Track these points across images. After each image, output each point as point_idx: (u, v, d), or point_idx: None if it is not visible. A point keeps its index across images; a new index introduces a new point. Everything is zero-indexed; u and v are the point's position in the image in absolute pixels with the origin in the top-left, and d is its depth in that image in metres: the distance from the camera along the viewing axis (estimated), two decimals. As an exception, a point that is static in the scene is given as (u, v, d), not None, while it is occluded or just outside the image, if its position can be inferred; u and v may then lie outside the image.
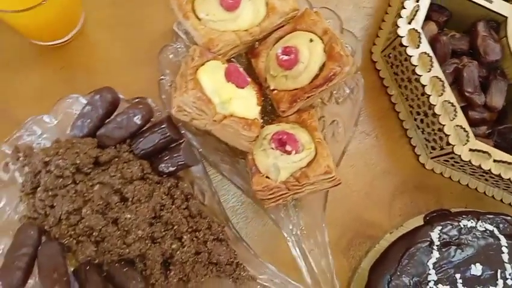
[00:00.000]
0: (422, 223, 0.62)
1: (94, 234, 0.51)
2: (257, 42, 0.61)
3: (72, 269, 0.52)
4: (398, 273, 0.56)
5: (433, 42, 0.63)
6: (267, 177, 0.54)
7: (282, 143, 0.54)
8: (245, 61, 0.64)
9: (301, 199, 0.62)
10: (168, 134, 0.52)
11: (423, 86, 0.58)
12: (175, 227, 0.53)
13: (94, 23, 0.66)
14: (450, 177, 0.67)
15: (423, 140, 0.66)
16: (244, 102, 0.53)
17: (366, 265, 0.61)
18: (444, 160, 0.64)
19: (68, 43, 0.64)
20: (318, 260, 0.60)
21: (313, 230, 0.61)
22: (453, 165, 0.65)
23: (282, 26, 0.59)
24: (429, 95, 0.58)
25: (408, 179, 0.67)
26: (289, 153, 0.53)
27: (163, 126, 0.52)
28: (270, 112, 0.62)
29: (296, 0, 0.59)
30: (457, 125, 0.57)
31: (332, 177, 0.53)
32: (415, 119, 0.66)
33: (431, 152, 0.65)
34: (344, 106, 0.59)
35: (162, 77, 0.56)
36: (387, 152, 0.67)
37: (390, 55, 0.66)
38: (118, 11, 0.67)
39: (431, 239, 0.57)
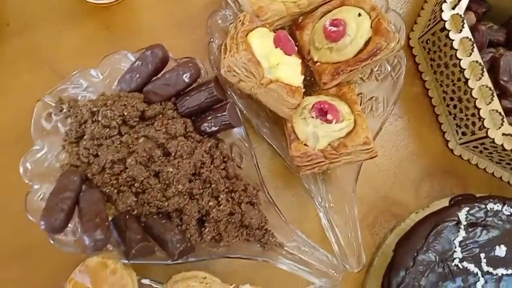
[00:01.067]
0: (448, 205, 0.64)
1: (135, 185, 0.52)
2: (301, 17, 0.62)
3: (110, 218, 0.53)
4: (425, 248, 0.57)
5: (472, 31, 0.64)
6: (305, 144, 0.56)
7: (323, 112, 0.55)
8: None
9: (331, 173, 0.64)
10: (215, 93, 0.54)
11: (463, 70, 0.60)
12: (212, 186, 0.55)
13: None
14: (477, 165, 0.68)
15: (454, 125, 0.67)
16: (290, 69, 0.55)
17: (390, 242, 0.62)
18: (474, 146, 0.66)
19: (115, 4, 0.65)
20: (346, 232, 0.61)
21: (342, 204, 0.62)
22: (481, 152, 0.66)
23: (330, 1, 0.61)
24: (468, 79, 0.59)
25: (436, 163, 0.68)
26: (330, 122, 0.55)
27: (210, 85, 0.54)
28: (309, 86, 0.63)
29: (344, -23, 0.60)
30: (493, 109, 0.59)
31: (370, 148, 0.55)
32: (448, 105, 0.67)
33: (460, 138, 0.67)
34: (384, 83, 0.60)
35: (211, 39, 0.57)
36: (418, 136, 0.68)
37: (428, 41, 0.68)
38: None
39: (458, 218, 0.58)
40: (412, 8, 0.74)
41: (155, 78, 0.56)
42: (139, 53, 0.57)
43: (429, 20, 0.69)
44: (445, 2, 0.62)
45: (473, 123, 0.63)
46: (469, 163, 0.68)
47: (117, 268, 0.50)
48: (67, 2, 0.65)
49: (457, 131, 0.67)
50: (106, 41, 0.65)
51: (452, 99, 0.66)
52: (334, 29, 0.56)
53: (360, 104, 0.62)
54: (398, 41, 0.56)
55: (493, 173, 0.68)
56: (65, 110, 0.57)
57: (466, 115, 0.64)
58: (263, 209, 0.59)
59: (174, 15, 0.67)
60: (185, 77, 0.54)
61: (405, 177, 0.67)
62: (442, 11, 0.61)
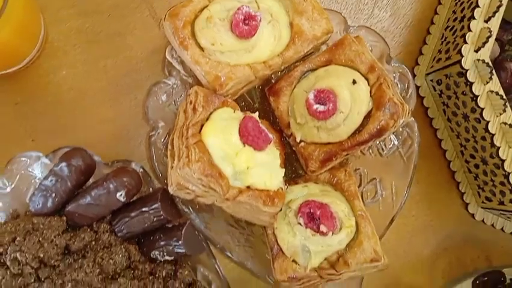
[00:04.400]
0: (471, 288, 0.52)
1: None
2: (274, 75, 0.46)
3: None
4: None
5: (497, 68, 0.49)
6: (293, 260, 0.42)
7: (314, 219, 0.41)
8: (258, 93, 0.49)
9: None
10: (162, 215, 0.39)
11: (491, 134, 0.45)
12: (174, 332, 0.41)
13: (57, 40, 0.50)
14: (502, 229, 0.56)
15: (476, 186, 0.54)
16: (266, 170, 0.40)
17: None
18: (501, 213, 0.53)
19: (24, 69, 0.48)
20: None
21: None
22: (509, 218, 0.53)
23: (310, 53, 0.45)
24: (499, 147, 0.45)
25: (453, 232, 0.55)
26: (324, 234, 0.41)
27: (155, 205, 0.39)
28: (292, 163, 0.48)
29: (330, 19, 0.44)
30: (531, 186, 0.45)
31: (379, 263, 0.41)
32: (467, 161, 0.54)
33: (483, 202, 0.54)
34: (390, 163, 0.46)
35: (152, 133, 0.42)
36: (430, 200, 0.55)
37: (440, 81, 0.52)
38: (88, 24, 0.50)
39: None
40: (417, 32, 0.57)
41: (80, 191, 0.41)
42: (55, 154, 0.41)
43: (439, 52, 0.53)
44: (465, 42, 0.46)
45: (502, 193, 0.49)
46: (492, 228, 0.56)
47: None
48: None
49: (478, 192, 0.54)
50: (18, 123, 0.49)
51: (472, 156, 0.52)
52: (321, 108, 0.40)
53: (359, 186, 0.48)
54: (409, 112, 0.41)
55: (521, 237, 0.56)
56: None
57: (493, 181, 0.50)
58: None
59: (105, 73, 0.50)
60: (120, 195, 0.39)
61: (417, 256, 0.54)
62: (462, 55, 0.46)
